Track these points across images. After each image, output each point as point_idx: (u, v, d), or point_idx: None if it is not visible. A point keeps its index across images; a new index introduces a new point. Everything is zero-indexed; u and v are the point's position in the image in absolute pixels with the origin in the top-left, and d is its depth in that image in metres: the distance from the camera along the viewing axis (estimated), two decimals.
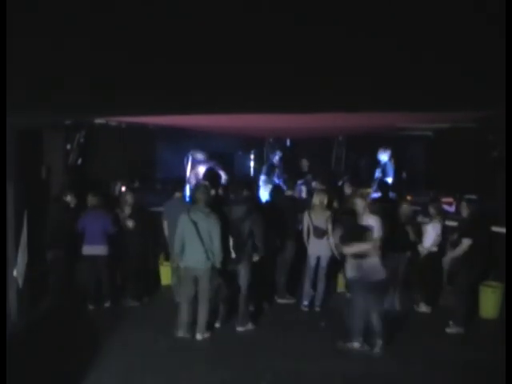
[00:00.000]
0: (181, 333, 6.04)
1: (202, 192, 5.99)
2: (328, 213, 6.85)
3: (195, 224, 5.85)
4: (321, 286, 6.99)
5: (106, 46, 4.96)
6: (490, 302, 6.76)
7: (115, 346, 5.77)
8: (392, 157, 9.69)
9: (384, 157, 9.69)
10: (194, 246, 5.88)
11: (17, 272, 6.20)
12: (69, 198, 7.31)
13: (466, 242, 6.23)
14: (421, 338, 6.23)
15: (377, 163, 9.79)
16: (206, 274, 5.93)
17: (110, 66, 5.15)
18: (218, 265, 5.94)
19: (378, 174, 9.75)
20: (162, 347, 5.86)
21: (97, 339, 5.89)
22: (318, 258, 6.93)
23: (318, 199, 6.89)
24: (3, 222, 4.96)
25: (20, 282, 6.27)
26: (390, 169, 9.68)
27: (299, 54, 4.84)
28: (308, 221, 6.89)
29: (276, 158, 10.63)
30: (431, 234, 6.81)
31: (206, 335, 6.04)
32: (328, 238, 6.79)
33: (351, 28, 4.74)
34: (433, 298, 6.99)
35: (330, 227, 6.77)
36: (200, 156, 9.83)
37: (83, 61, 5.04)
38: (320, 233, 6.79)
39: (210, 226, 5.85)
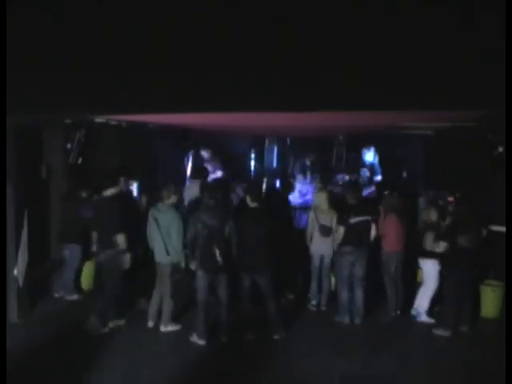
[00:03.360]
0: (150, 323, 6.30)
1: (165, 190, 6.19)
2: (333, 211, 6.84)
3: (156, 220, 6.11)
4: (325, 285, 6.99)
5: (106, 44, 4.95)
6: (490, 301, 6.75)
7: (116, 345, 5.77)
8: (376, 154, 9.83)
9: (370, 156, 9.83)
10: (157, 242, 6.14)
11: (17, 272, 6.20)
12: (85, 194, 7.16)
13: (441, 245, 6.28)
14: (421, 337, 6.25)
15: (363, 163, 9.96)
16: (167, 268, 6.13)
17: (109, 65, 5.13)
18: (175, 260, 6.12)
19: (366, 173, 9.86)
20: (163, 347, 5.87)
21: (98, 339, 5.89)
22: (322, 257, 6.93)
23: (321, 198, 6.90)
24: (3, 221, 4.96)
25: (20, 281, 6.27)
26: (378, 168, 9.81)
27: (299, 53, 4.83)
28: (314, 219, 6.89)
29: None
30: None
31: (170, 328, 6.21)
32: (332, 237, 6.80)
33: (351, 28, 4.73)
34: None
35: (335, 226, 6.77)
36: (205, 153, 9.78)
37: (83, 60, 5.03)
38: (326, 231, 6.79)
39: (168, 222, 6.06)
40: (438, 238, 6.33)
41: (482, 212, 6.60)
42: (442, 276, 6.43)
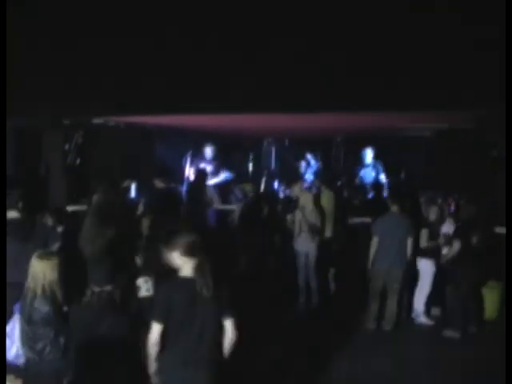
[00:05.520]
0: None
1: None
2: (319, 212, 6.97)
3: None
4: (313, 283, 6.98)
5: (105, 45, 4.95)
6: (489, 301, 6.73)
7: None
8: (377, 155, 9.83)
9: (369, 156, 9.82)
10: None
11: None
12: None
13: (456, 245, 6.17)
14: (422, 338, 6.25)
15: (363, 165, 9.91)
16: None
17: (109, 65, 5.13)
18: None
19: (371, 174, 9.82)
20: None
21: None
22: (307, 255, 6.95)
23: (307, 199, 7.00)
24: (3, 221, 4.94)
25: None
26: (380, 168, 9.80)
27: (300, 54, 4.84)
28: (301, 219, 6.93)
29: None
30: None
31: None
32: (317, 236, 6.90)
33: (349, 27, 4.74)
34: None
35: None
36: (209, 151, 9.69)
37: (83, 60, 5.03)
38: (314, 230, 6.86)
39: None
40: (451, 237, 6.30)
41: (491, 212, 6.60)
42: (448, 275, 6.38)
